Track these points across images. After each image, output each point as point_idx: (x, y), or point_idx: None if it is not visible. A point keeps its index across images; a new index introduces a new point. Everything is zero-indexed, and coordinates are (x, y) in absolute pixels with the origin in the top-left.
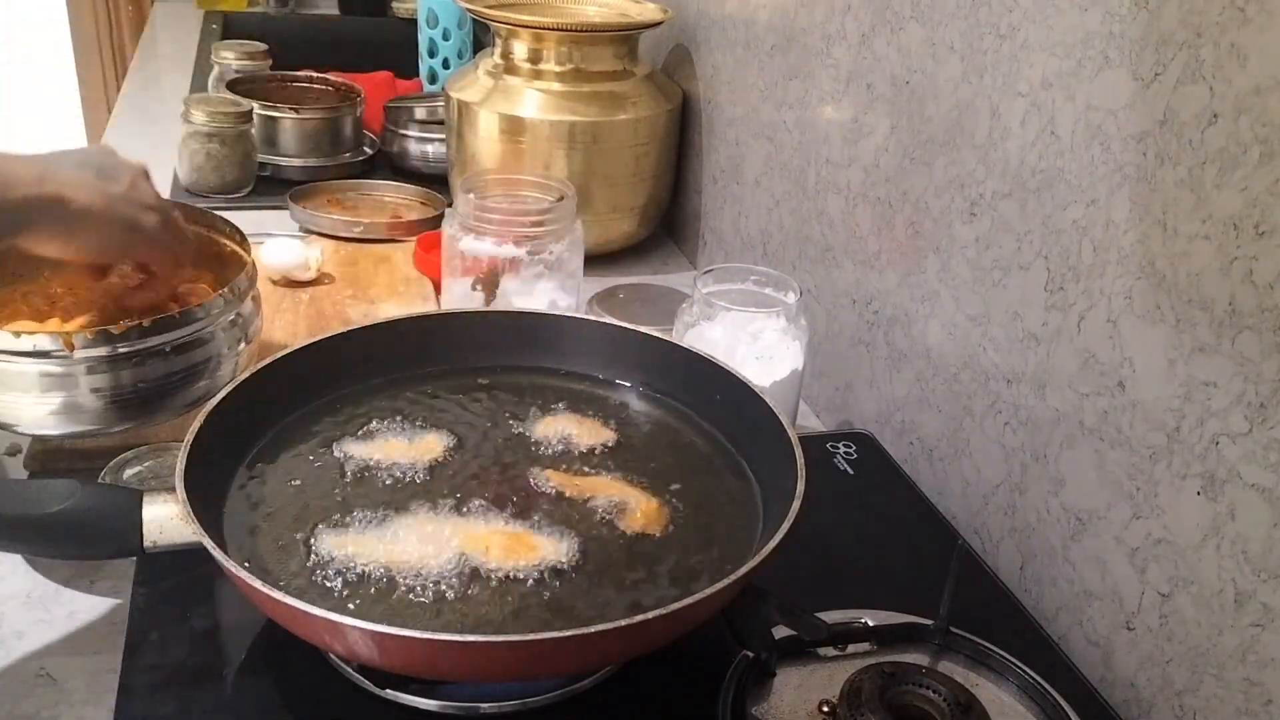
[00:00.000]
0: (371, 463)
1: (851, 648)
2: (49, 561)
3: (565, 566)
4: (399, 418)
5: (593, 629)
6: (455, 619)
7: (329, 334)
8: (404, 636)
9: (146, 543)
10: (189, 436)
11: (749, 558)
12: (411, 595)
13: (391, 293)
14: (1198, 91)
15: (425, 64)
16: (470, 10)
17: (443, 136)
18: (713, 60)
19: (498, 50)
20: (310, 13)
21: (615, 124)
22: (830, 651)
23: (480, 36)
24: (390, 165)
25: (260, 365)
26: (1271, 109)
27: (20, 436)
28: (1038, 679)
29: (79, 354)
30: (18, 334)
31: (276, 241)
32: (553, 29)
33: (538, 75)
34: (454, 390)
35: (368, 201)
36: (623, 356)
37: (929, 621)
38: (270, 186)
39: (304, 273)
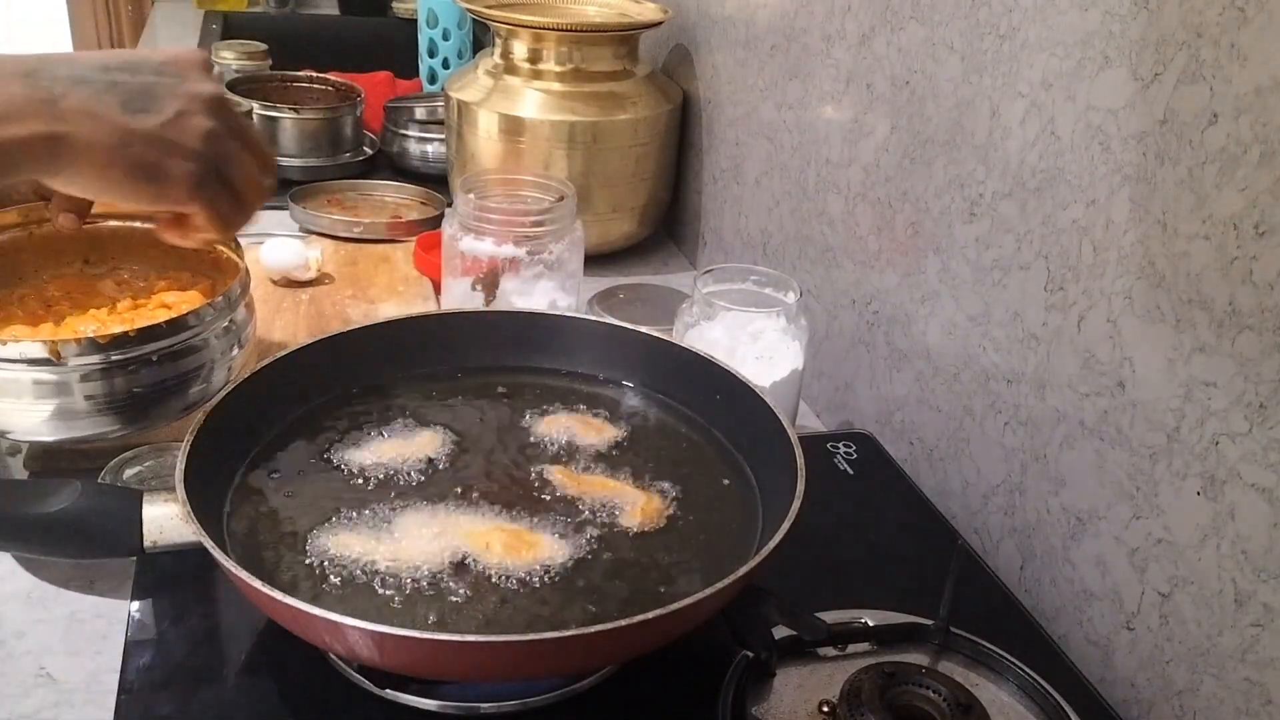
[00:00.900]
0: (371, 462)
1: (851, 648)
2: (49, 561)
3: (565, 567)
4: (399, 417)
5: (593, 629)
6: (455, 619)
7: (329, 334)
8: (404, 636)
9: (146, 543)
10: (189, 437)
11: (749, 558)
12: (411, 595)
13: (391, 293)
14: (1198, 91)
15: (425, 64)
16: (470, 10)
17: (443, 136)
18: (713, 60)
19: (498, 50)
20: (310, 13)
21: (615, 124)
22: (830, 651)
23: (480, 36)
24: (390, 165)
25: (260, 365)
26: (1271, 109)
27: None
28: (1038, 679)
29: (73, 361)
30: (4, 342)
31: (276, 241)
32: (553, 29)
33: (538, 75)
34: (454, 390)
35: (368, 201)
36: (623, 356)
37: (929, 621)
38: None
39: (304, 273)
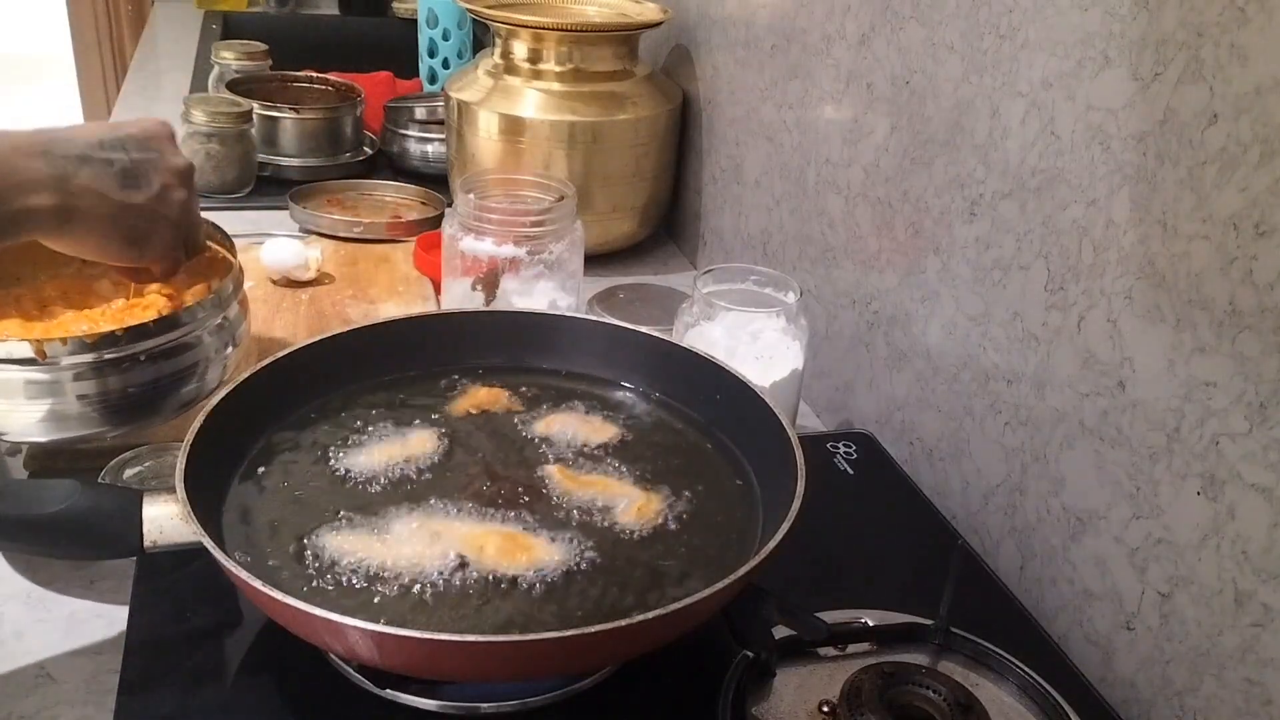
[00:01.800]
0: (371, 462)
1: (851, 648)
2: (49, 561)
3: (564, 566)
4: (398, 418)
5: (593, 629)
6: (455, 618)
7: (329, 334)
8: (404, 636)
9: (146, 543)
10: (189, 436)
11: (749, 558)
12: (411, 595)
13: (391, 293)
14: (1198, 91)
15: (425, 64)
16: (470, 10)
17: (443, 136)
18: (713, 60)
19: (498, 50)
20: (310, 13)
21: (615, 124)
22: (830, 651)
23: (480, 36)
24: (390, 165)
25: (260, 365)
26: (1271, 109)
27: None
28: (1038, 679)
29: (64, 361)
30: None
31: (276, 241)
32: (553, 29)
33: (538, 75)
34: (453, 390)
35: (368, 201)
36: (623, 356)
37: (929, 621)
38: (270, 186)
39: (304, 273)
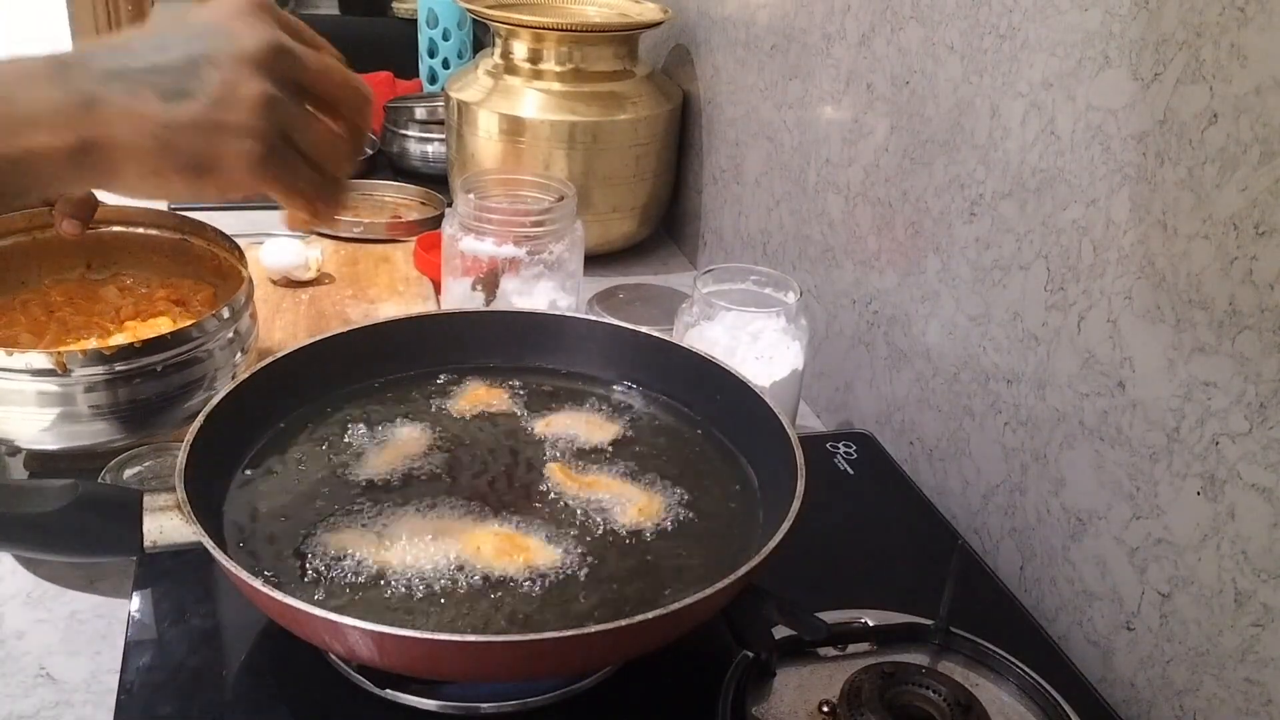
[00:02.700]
0: (371, 462)
1: (851, 648)
2: (49, 561)
3: (564, 566)
4: (398, 418)
5: (593, 629)
6: (455, 619)
7: (329, 334)
8: (404, 636)
9: (146, 543)
10: (189, 436)
11: (749, 558)
12: (411, 595)
13: (391, 293)
14: (1198, 91)
15: (425, 64)
16: (470, 10)
17: (443, 136)
18: (713, 60)
19: (498, 50)
20: (310, 13)
21: (615, 124)
22: (830, 651)
23: (480, 36)
24: (390, 165)
25: (260, 366)
26: (1271, 109)
27: None
28: (1038, 679)
29: (77, 372)
30: (10, 352)
31: (276, 241)
32: (553, 29)
33: (538, 75)
34: (453, 390)
35: (368, 201)
36: (623, 356)
37: (929, 621)
38: None
39: (304, 273)
